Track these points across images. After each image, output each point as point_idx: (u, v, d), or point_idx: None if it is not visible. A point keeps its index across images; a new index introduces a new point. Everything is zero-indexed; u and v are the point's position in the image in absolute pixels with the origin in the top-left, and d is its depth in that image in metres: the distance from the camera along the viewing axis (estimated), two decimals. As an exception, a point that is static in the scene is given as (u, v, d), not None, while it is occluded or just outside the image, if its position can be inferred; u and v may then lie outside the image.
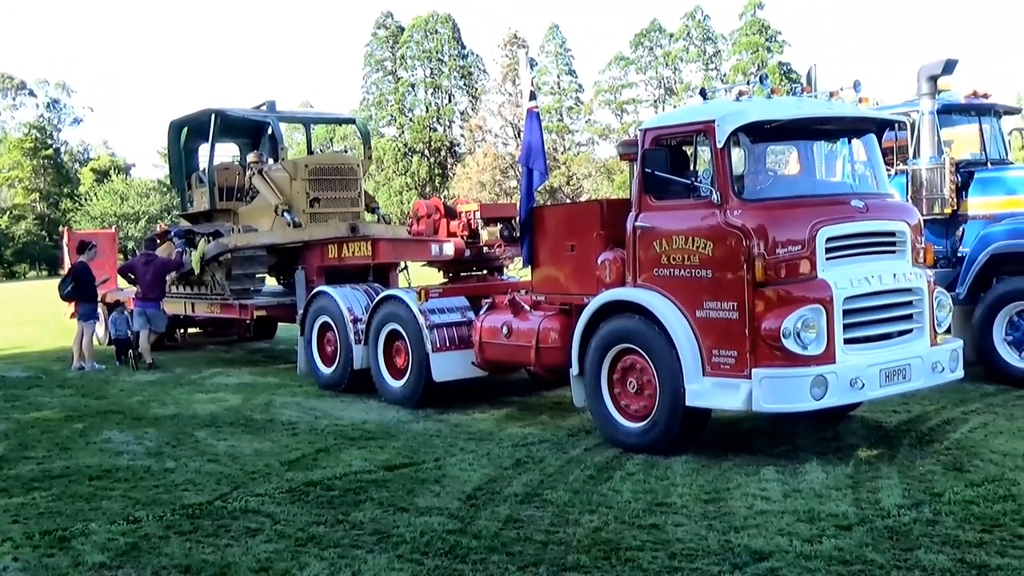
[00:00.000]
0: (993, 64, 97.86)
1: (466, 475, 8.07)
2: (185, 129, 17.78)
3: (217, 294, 15.93)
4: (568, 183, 77.64)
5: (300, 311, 13.66)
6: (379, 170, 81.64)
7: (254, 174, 15.82)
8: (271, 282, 17.71)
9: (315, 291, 13.32)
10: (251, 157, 16.41)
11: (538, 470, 8.14)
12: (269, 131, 17.44)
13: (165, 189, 69.29)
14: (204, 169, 17.06)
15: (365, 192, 16.18)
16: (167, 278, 16.34)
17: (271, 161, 16.69)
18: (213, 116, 16.42)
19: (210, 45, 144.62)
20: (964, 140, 13.02)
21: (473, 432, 9.83)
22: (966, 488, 7.09)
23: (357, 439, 9.72)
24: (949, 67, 12.10)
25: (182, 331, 19.61)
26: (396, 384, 11.65)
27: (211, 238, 15.72)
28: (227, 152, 18.56)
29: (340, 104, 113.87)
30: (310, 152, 19.80)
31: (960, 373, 8.68)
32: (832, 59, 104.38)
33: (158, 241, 17.88)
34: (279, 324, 18.71)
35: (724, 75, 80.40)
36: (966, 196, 12.18)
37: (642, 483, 7.58)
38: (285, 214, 14.94)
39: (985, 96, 12.99)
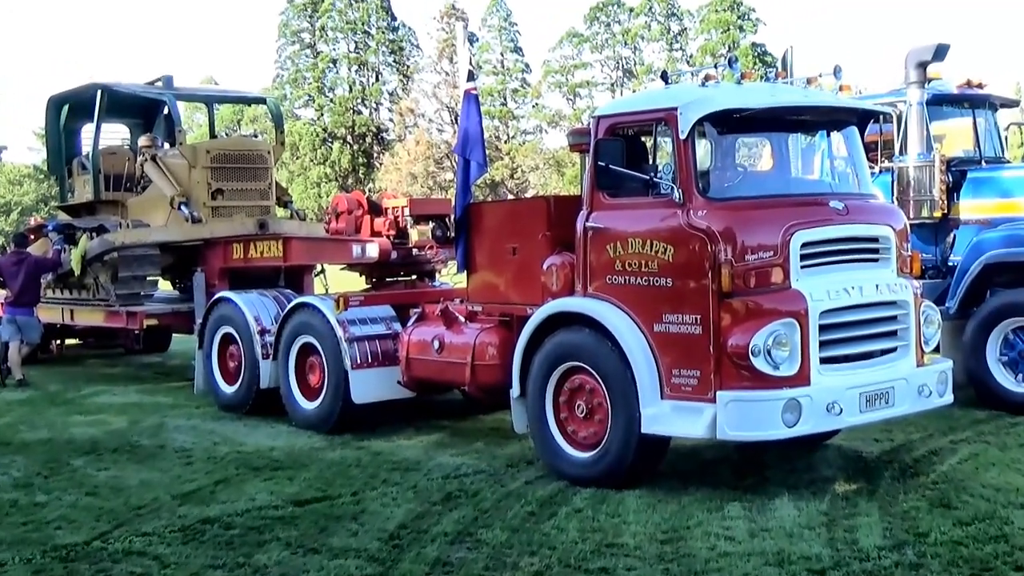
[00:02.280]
0: (989, 50, 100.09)
1: (388, 511, 8.04)
2: (66, 107, 17.55)
3: (101, 299, 15.75)
4: (512, 176, 77.79)
5: (199, 320, 13.54)
6: (293, 158, 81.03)
7: (146, 160, 15.65)
8: (165, 286, 17.51)
9: (216, 297, 13.21)
10: (143, 140, 16.24)
11: (471, 505, 8.13)
12: (165, 110, 17.27)
13: (42, 176, 68.10)
14: (87, 154, 16.86)
15: (276, 183, 16.09)
16: (42, 280, 16.08)
17: (167, 145, 16.51)
18: (99, 92, 16.23)
19: (97, 9, 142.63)
20: (956, 135, 13.26)
21: (397, 461, 9.79)
22: (954, 527, 7.21)
23: (262, 469, 9.64)
24: (940, 53, 12.31)
25: (58, 342, 19.33)
26: (309, 406, 11.59)
27: (94, 234, 15.51)
28: (115, 134, 18.39)
29: (249, 81, 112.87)
30: (213, 136, 19.64)
31: (949, 397, 8.84)
32: (811, 41, 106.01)
33: (31, 237, 17.62)
34: (173, 335, 18.52)
35: (690, 56, 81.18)
36: (958, 198, 12.38)
37: (590, 520, 7.60)
38: (182, 207, 14.79)
39: (980, 86, 13.24)
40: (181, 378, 15.74)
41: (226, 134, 66.84)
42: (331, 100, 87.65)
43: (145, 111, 17.88)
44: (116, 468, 9.84)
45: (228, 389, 12.91)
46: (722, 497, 8.14)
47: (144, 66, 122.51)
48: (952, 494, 8.08)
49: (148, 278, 15.64)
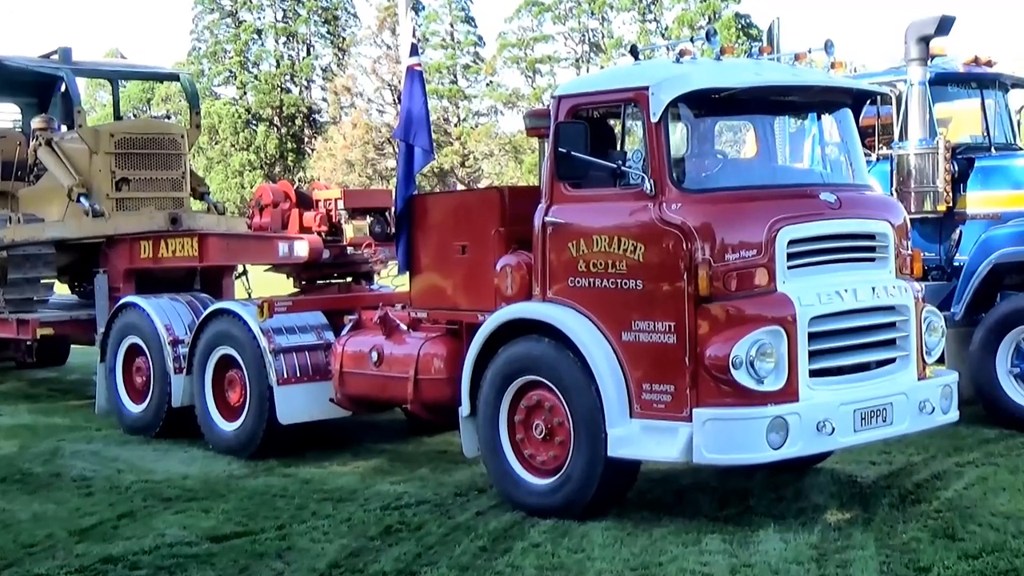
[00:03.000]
0: (999, 24, 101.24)
1: (319, 547, 8.02)
2: (-54, 84, 17.36)
3: (-13, 305, 15.56)
4: (463, 164, 77.84)
5: (101, 329, 13.45)
6: (212, 143, 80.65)
7: (40, 145, 15.55)
8: (62, 290, 17.35)
9: (121, 302, 13.13)
10: (37, 122, 16.08)
11: (414, 540, 8.13)
12: (62, 88, 17.12)
13: (-81, 163, 67.43)
14: (-28, 137, 16.68)
15: (192, 172, 15.98)
16: (-82, 283, 15.89)
17: (64, 128, 16.40)
18: (-15, 66, 16.06)
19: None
20: (963, 119, 13.42)
21: (329, 490, 9.77)
22: (959, 560, 7.28)
23: (174, 500, 9.59)
24: (945, 26, 12.44)
25: (-62, 355, 19.09)
26: (228, 427, 11.54)
27: (-21, 230, 15.34)
28: (4, 115, 18.21)
29: (161, 54, 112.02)
30: (118, 117, 19.48)
31: (954, 414, 8.92)
32: (800, 12, 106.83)
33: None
34: (72, 346, 18.36)
35: (665, 29, 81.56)
36: (964, 190, 12.52)
37: (550, 557, 7.61)
38: (82, 199, 14.68)
39: (989, 64, 13.40)
40: (80, 396, 15.64)
41: (133, 115, 66.11)
42: (255, 76, 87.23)
43: (39, 88, 17.71)
44: (5, 500, 9.75)
45: (135, 408, 12.81)
46: (699, 529, 8.18)
47: (39, 37, 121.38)
48: (957, 523, 8.16)
49: (42, 281, 15.52)
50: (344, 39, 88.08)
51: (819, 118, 9.31)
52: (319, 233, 12.37)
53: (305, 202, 12.74)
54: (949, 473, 9.76)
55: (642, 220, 8.14)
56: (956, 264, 12.38)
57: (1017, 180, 12.37)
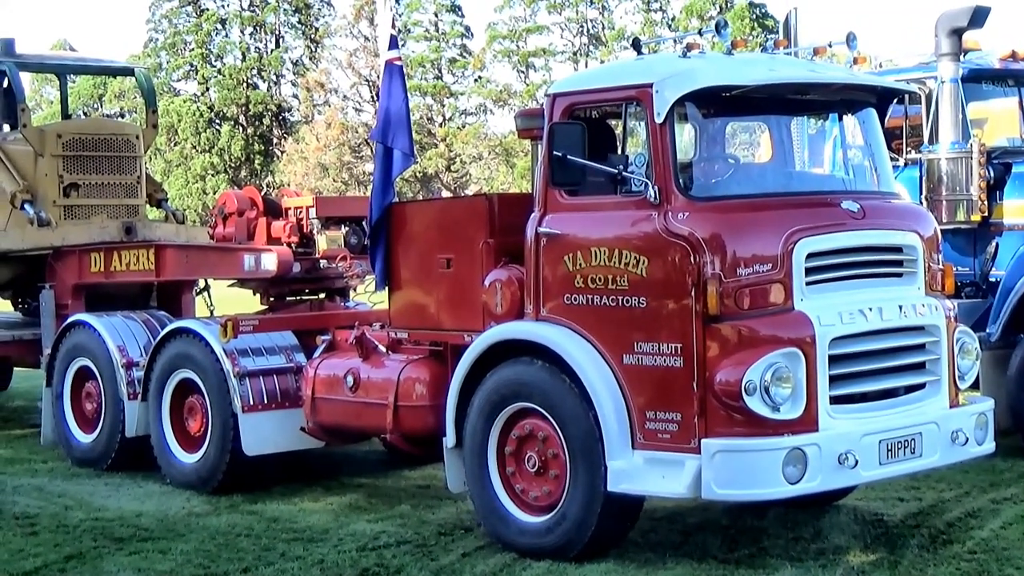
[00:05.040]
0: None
1: (288, 593, 8.01)
2: None
3: (-80, 324, 15.54)
4: (448, 168, 77.92)
5: (47, 350, 13.44)
6: (170, 144, 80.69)
7: (-21, 147, 15.51)
8: (4, 307, 17.33)
9: (69, 321, 13.13)
10: (-25, 122, 16.10)
11: (394, 585, 8.13)
12: (4, 83, 17.11)
13: None
14: (-96, 138, 16.66)
15: (148, 176, 15.97)
16: None
17: (6, 128, 16.38)
18: (-81, 60, 16.04)
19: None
20: (999, 119, 13.42)
21: (300, 529, 9.78)
22: (996, 608, 7.32)
23: (127, 540, 9.58)
24: (979, 17, 12.45)
25: None
26: (188, 459, 11.53)
27: (-88, 241, 15.32)
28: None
29: (114, 46, 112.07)
30: (66, 116, 19.47)
31: (990, 446, 8.95)
32: (821, 1, 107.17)
33: None
34: (14, 369, 18.33)
35: (671, 19, 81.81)
36: (1001, 197, 12.53)
37: (543, 603, 7.63)
38: (26, 206, 14.66)
39: (1028, 59, 13.44)
40: (24, 424, 15.66)
41: (84, 114, 66.33)
42: (219, 71, 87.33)
43: (-22, 84, 17.72)
44: (-62, 540, 9.74)
45: (84, 439, 12.80)
46: (708, 572, 8.19)
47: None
48: (994, 567, 8.18)
49: (-19, 297, 15.51)
50: (317, 30, 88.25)
51: (840, 119, 9.34)
52: (289, 244, 12.36)
53: (273, 210, 12.74)
54: (984, 511, 9.77)
55: (645, 231, 8.15)
56: (992, 280, 12.36)
57: (1059, 187, 12.38)
